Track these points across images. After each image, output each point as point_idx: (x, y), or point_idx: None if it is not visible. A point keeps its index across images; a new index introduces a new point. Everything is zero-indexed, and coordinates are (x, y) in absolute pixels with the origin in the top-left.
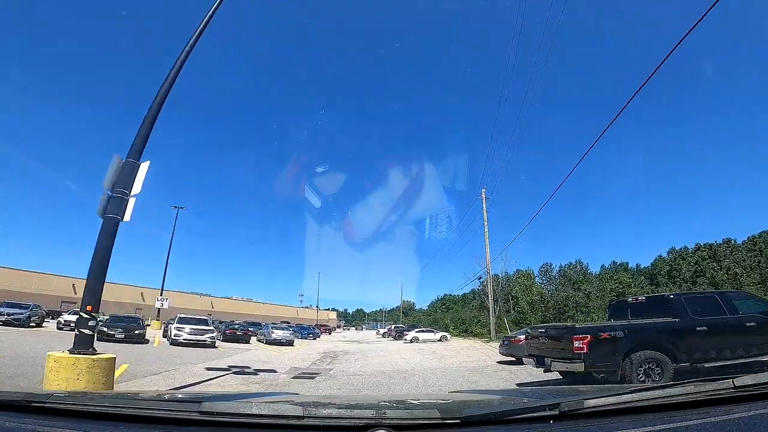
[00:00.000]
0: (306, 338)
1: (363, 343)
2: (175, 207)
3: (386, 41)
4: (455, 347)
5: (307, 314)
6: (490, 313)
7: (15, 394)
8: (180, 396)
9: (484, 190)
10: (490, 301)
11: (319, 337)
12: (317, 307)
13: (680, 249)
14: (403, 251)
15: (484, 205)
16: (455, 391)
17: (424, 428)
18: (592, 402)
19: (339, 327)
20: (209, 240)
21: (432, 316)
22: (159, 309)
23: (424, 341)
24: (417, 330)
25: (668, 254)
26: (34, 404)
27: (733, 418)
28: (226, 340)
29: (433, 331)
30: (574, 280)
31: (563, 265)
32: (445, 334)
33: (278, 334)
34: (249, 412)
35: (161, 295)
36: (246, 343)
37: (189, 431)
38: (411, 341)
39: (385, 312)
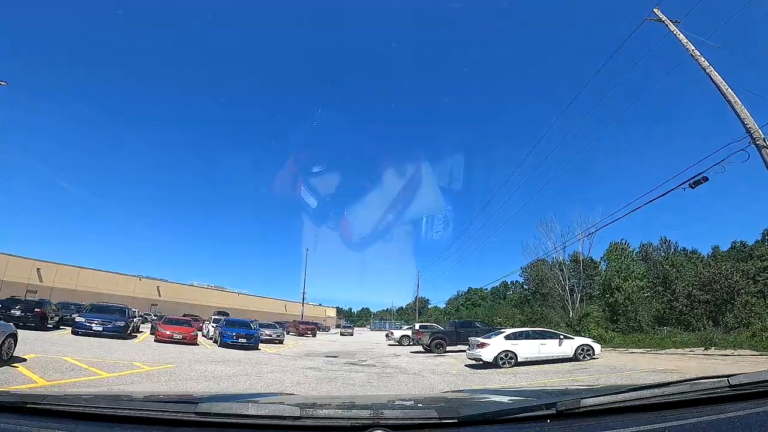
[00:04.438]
0: (234, 347)
1: (358, 367)
2: None
3: (383, 41)
4: None
5: (300, 310)
6: None
7: (10, 395)
8: (176, 397)
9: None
10: None
11: (277, 343)
12: (303, 300)
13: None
14: (405, 251)
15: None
16: (452, 391)
17: (421, 428)
18: (589, 401)
19: (337, 326)
20: (205, 238)
21: (456, 315)
22: None
23: (544, 360)
24: (509, 335)
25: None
26: (29, 405)
27: (729, 416)
28: None
29: (558, 337)
30: (672, 263)
31: (644, 243)
32: (588, 343)
33: None
34: (246, 413)
35: None
36: None
37: None
38: (500, 362)
39: (393, 311)
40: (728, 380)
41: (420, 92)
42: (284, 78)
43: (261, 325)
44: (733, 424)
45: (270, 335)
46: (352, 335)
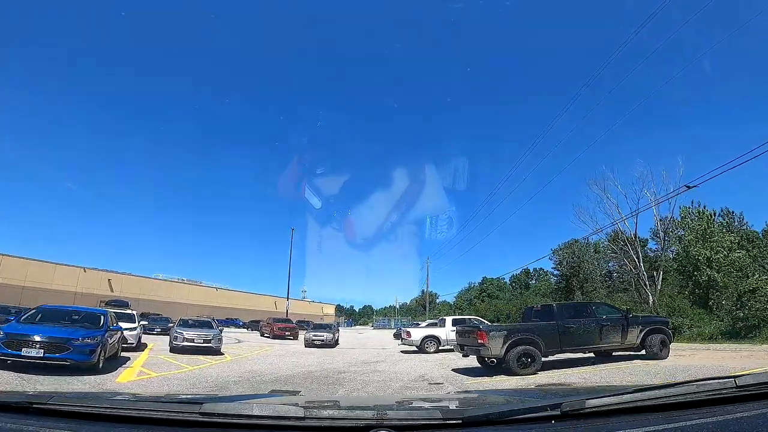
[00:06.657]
0: (24, 365)
1: None
2: None
3: (387, 41)
4: None
5: (295, 308)
6: None
7: (17, 395)
8: (181, 397)
9: None
10: None
11: (207, 352)
12: (288, 292)
13: None
14: (409, 251)
15: None
16: (457, 392)
17: (425, 429)
18: (594, 402)
19: (313, 327)
20: (207, 238)
21: (469, 310)
22: None
23: None
24: None
25: None
26: (35, 405)
27: (735, 417)
28: None
29: None
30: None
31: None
32: None
33: None
34: (250, 413)
35: None
36: None
37: None
38: None
39: (397, 308)
40: (735, 381)
41: (423, 93)
42: (288, 79)
43: (185, 324)
44: (740, 424)
45: (191, 340)
46: (334, 346)
